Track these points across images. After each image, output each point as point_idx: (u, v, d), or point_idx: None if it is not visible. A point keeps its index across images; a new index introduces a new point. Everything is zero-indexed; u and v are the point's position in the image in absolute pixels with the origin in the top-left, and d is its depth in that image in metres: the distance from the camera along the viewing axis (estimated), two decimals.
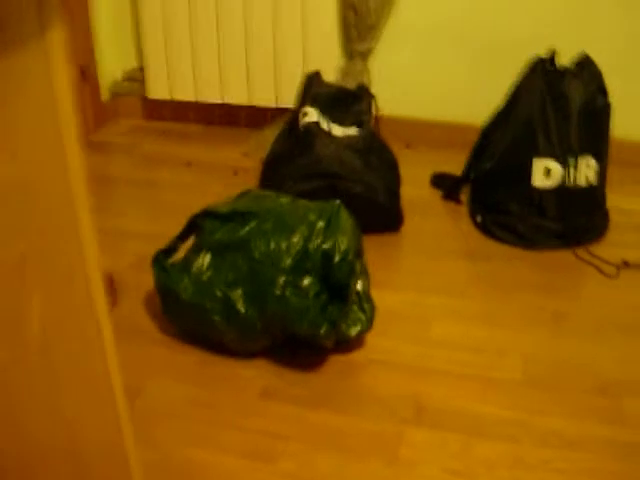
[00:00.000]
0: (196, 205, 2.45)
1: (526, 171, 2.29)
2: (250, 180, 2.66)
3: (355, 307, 1.86)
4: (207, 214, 1.91)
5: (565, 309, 2.05)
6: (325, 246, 1.76)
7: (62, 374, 1.01)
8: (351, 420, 1.68)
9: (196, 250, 1.88)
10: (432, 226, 2.45)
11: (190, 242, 1.95)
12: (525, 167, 2.29)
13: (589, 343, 1.92)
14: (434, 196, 2.64)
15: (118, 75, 3.21)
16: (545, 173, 2.26)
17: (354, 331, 1.85)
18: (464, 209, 2.54)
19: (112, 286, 1.88)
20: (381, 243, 2.33)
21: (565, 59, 2.36)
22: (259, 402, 1.73)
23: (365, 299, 1.89)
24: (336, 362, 1.85)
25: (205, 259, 1.85)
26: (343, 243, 1.76)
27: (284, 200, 1.93)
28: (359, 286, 1.88)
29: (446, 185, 2.63)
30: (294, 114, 2.55)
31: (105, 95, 3.18)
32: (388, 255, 2.30)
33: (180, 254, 1.94)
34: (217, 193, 2.57)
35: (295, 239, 1.78)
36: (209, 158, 2.90)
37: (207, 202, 2.37)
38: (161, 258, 1.93)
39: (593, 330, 1.97)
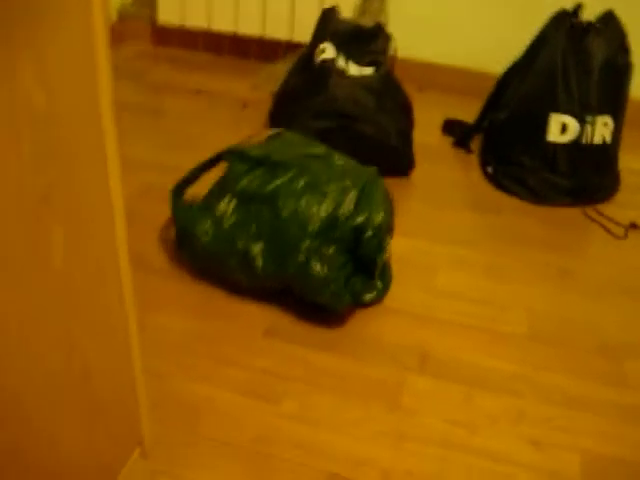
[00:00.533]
0: (203, 136, 2.43)
1: (542, 125, 2.26)
2: (260, 114, 2.62)
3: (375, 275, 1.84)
4: (236, 153, 1.82)
5: (571, 267, 2.04)
6: (358, 219, 1.69)
7: (79, 302, 1.00)
8: (355, 365, 1.67)
9: (220, 193, 1.80)
10: (442, 174, 2.42)
11: (209, 176, 1.90)
12: (541, 121, 2.26)
13: (593, 302, 1.92)
14: (445, 143, 2.61)
15: None
16: (561, 129, 2.23)
17: (369, 297, 1.82)
18: (474, 158, 2.52)
19: None
20: (390, 187, 2.29)
21: (590, 14, 2.31)
22: (263, 340, 1.72)
23: (387, 268, 1.88)
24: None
25: (230, 205, 1.77)
26: (376, 218, 1.70)
27: (318, 151, 1.85)
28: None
29: (458, 132, 2.60)
30: (309, 49, 2.50)
31: (113, 17, 3.10)
32: (397, 199, 2.26)
33: (198, 188, 1.90)
34: (226, 125, 2.54)
35: (326, 204, 1.71)
36: (218, 88, 2.85)
37: (215, 133, 2.37)
38: (180, 191, 1.88)
39: (598, 290, 1.97)
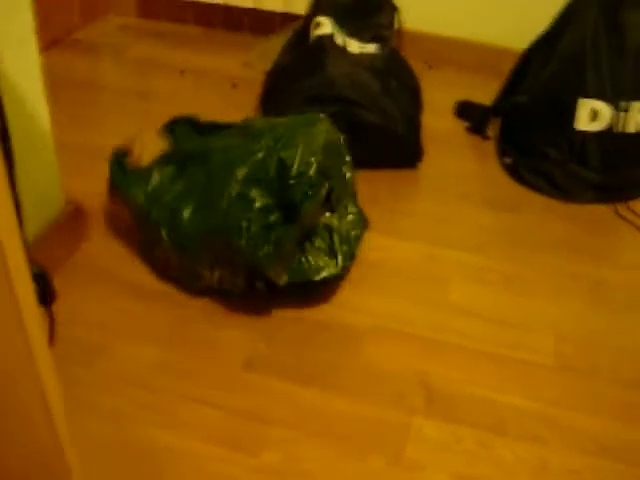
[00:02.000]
0: None
1: (569, 111, 1.98)
2: (250, 95, 2.34)
3: (324, 245, 1.60)
4: (186, 121, 1.74)
5: (603, 277, 1.77)
6: (283, 153, 1.51)
7: None
8: (349, 404, 1.42)
9: (164, 160, 1.68)
10: (454, 164, 2.15)
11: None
12: (568, 106, 1.98)
13: (631, 322, 1.65)
14: (457, 127, 2.33)
15: None
16: (591, 115, 1.96)
17: (317, 273, 1.57)
18: (491, 146, 2.24)
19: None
20: (394, 181, 2.04)
21: None
22: (241, 374, 1.47)
23: (341, 240, 1.62)
24: (334, 327, 1.58)
25: (166, 171, 1.65)
26: (306, 154, 1.51)
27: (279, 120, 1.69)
28: (333, 221, 1.61)
29: (472, 116, 2.32)
30: (305, 22, 2.22)
31: None
32: (402, 196, 2.01)
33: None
34: (213, 107, 2.27)
35: (256, 147, 1.54)
36: (206, 66, 2.57)
37: (201, 117, 2.09)
38: (120, 156, 1.72)
39: (635, 305, 1.70)
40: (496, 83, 2.27)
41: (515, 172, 2.10)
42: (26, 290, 0.81)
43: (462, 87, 2.51)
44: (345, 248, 1.60)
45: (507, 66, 2.23)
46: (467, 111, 2.36)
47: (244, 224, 1.48)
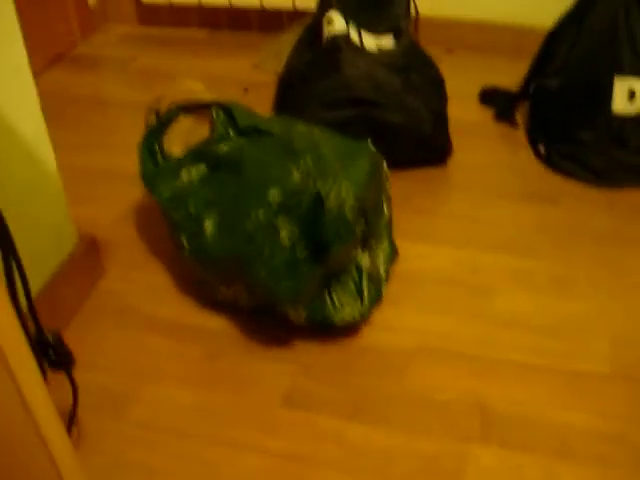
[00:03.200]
0: None
1: (604, 92, 1.85)
2: (263, 99, 2.23)
3: (351, 286, 1.46)
4: (227, 111, 1.54)
5: None
6: (322, 186, 1.36)
7: None
8: (401, 437, 1.32)
9: (195, 156, 1.53)
10: (483, 156, 2.03)
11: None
12: (603, 87, 1.85)
13: None
14: (484, 116, 2.20)
15: None
16: (629, 95, 1.83)
17: (340, 316, 1.44)
18: (521, 134, 2.11)
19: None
20: (424, 180, 1.93)
21: None
22: (281, 411, 1.37)
23: (370, 279, 1.48)
24: (376, 351, 1.48)
25: (196, 171, 1.51)
26: (345, 191, 1.36)
27: (320, 132, 1.54)
28: (364, 261, 1.48)
29: (499, 103, 2.20)
30: (315, 19, 2.10)
31: None
32: (433, 196, 1.89)
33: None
34: None
35: (294, 169, 1.39)
36: (215, 71, 2.46)
37: None
38: (152, 139, 1.59)
39: None
40: (519, 65, 2.14)
41: (549, 160, 1.97)
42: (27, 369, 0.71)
43: (484, 71, 2.38)
44: (373, 290, 1.48)
45: (529, 46, 2.10)
46: (492, 97, 2.23)
47: (267, 254, 1.37)
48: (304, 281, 1.37)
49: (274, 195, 1.38)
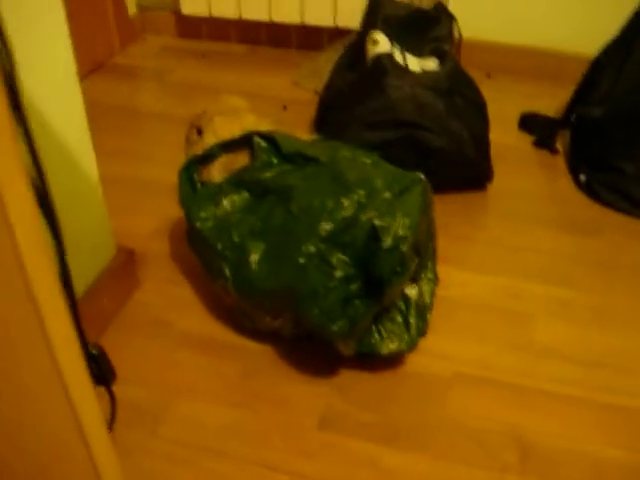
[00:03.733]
0: None
1: None
2: (303, 117, 2.22)
3: (399, 318, 1.44)
4: (269, 139, 1.50)
5: None
6: (377, 221, 1.32)
7: None
8: (438, 465, 1.29)
9: (237, 184, 1.49)
10: (523, 183, 2.00)
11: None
12: None
13: None
14: (523, 142, 2.18)
15: None
16: None
17: (386, 348, 1.42)
18: (561, 161, 2.09)
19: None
20: (463, 205, 1.91)
21: None
22: (317, 434, 1.35)
23: (416, 313, 1.46)
24: (414, 377, 1.45)
25: (239, 198, 1.48)
26: (403, 226, 1.32)
27: (365, 158, 1.50)
28: (412, 292, 1.46)
29: (539, 129, 2.18)
30: (358, 39, 2.09)
31: (132, 9, 2.72)
32: (473, 221, 1.87)
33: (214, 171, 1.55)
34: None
35: (346, 202, 1.36)
36: (253, 87, 2.45)
37: None
38: (192, 169, 1.55)
39: None
40: (559, 91, 2.13)
41: (590, 189, 1.95)
42: (77, 373, 0.70)
43: (523, 97, 2.37)
44: (420, 323, 1.46)
45: (570, 73, 2.09)
46: (532, 123, 2.22)
47: (321, 291, 1.33)
48: (359, 319, 1.34)
49: (326, 228, 1.35)
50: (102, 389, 1.16)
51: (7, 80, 0.64)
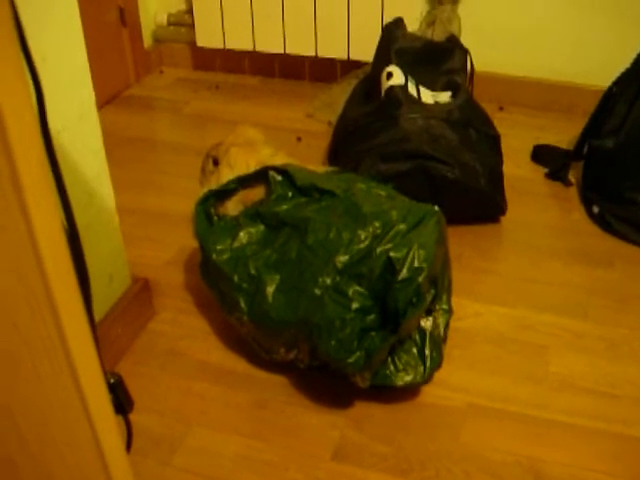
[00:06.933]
0: None
1: None
2: (317, 149, 2.24)
3: (414, 350, 1.44)
4: (284, 173, 1.51)
5: None
6: (393, 254, 1.33)
7: None
8: None
9: (253, 217, 1.50)
10: (536, 215, 2.01)
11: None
12: None
13: None
14: (536, 173, 2.19)
15: (163, 18, 2.77)
16: None
17: (402, 380, 1.42)
18: (574, 193, 2.09)
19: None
20: (476, 236, 1.91)
21: None
22: (332, 465, 1.35)
23: (431, 345, 1.45)
24: (429, 408, 1.45)
25: (256, 231, 1.48)
26: (418, 258, 1.33)
27: (380, 190, 1.52)
28: (427, 324, 1.46)
29: (551, 161, 2.19)
30: (372, 72, 2.12)
31: (147, 41, 2.76)
32: (486, 253, 1.88)
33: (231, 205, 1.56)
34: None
35: (362, 234, 1.37)
36: (267, 118, 2.47)
37: None
38: (209, 203, 1.55)
39: None
40: (571, 123, 2.15)
41: (603, 221, 1.95)
42: (101, 402, 0.70)
43: (536, 129, 2.38)
44: (435, 355, 1.45)
45: (582, 105, 2.12)
46: (545, 156, 2.22)
47: (337, 324, 1.33)
48: (375, 351, 1.34)
49: (342, 260, 1.35)
50: (118, 418, 1.16)
51: (42, 126, 0.65)
